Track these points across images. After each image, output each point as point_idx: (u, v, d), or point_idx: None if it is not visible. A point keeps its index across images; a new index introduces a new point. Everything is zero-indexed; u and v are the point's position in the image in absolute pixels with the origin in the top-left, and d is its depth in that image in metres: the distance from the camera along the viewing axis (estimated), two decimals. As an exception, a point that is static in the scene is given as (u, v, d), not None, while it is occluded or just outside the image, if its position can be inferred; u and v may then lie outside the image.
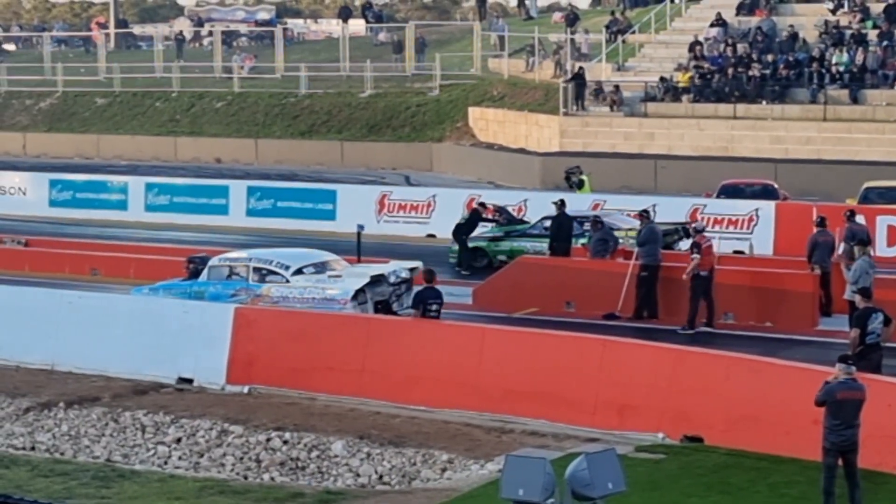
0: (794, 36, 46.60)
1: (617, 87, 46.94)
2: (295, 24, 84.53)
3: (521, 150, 48.01)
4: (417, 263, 26.51)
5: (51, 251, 34.01)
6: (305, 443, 19.88)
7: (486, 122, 51.92)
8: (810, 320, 24.99)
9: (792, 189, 36.53)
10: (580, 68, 48.12)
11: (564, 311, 26.43)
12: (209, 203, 41.51)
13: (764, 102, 44.67)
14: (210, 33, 70.69)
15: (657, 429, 19.10)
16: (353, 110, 55.81)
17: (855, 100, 43.69)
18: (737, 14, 49.41)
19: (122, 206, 42.86)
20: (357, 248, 29.39)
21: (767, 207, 33.52)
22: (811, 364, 18.56)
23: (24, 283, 29.25)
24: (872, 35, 45.37)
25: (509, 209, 34.05)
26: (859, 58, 44.33)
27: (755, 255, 30.33)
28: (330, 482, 18.93)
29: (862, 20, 46.21)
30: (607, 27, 52.08)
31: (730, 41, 46.98)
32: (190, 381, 23.06)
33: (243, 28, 75.52)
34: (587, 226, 28.94)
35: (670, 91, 46.34)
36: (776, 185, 35.95)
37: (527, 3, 67.02)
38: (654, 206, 30.89)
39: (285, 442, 20.01)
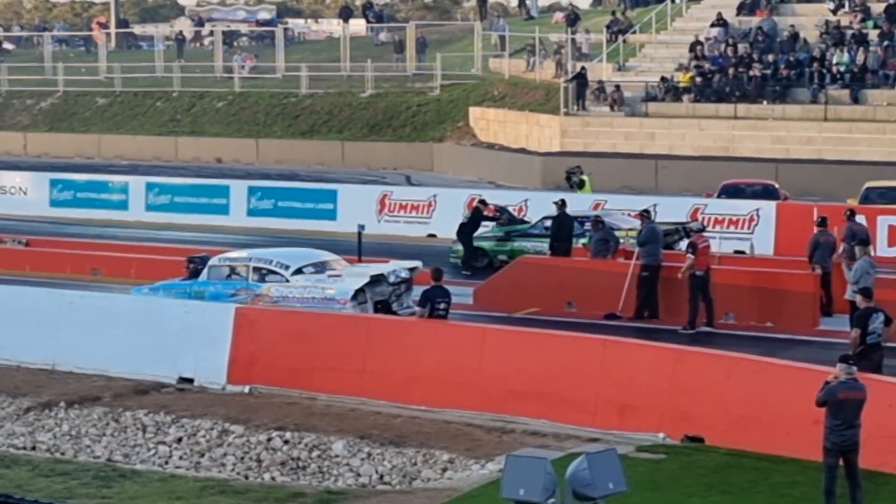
0: (794, 36, 46.60)
1: (618, 86, 46.94)
2: (296, 23, 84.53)
3: (522, 150, 48.01)
4: (417, 263, 26.52)
5: (52, 251, 34.02)
6: (306, 443, 19.87)
7: (486, 121, 51.93)
8: (811, 320, 24.99)
9: (793, 189, 36.53)
10: (582, 68, 48.12)
11: (565, 311, 26.43)
12: (210, 203, 41.51)
13: (765, 102, 44.67)
14: (211, 33, 70.72)
15: (658, 429, 19.09)
16: (353, 110, 55.82)
17: (856, 100, 43.69)
18: (737, 14, 49.41)
19: (122, 205, 42.86)
20: (358, 248, 29.41)
21: (768, 207, 33.52)
22: (812, 364, 18.55)
23: (25, 282, 29.24)
24: (873, 35, 45.37)
25: (510, 209, 34.04)
26: (860, 58, 44.33)
27: (756, 255, 30.32)
28: (331, 482, 18.93)
29: (863, 20, 46.22)
30: (608, 27, 52.08)
31: (730, 41, 46.98)
32: (191, 380, 23.06)
33: (244, 28, 75.54)
34: (588, 226, 28.94)
35: (671, 91, 46.34)
36: (777, 185, 35.95)
37: (527, 2, 67.05)
38: (654, 206, 30.88)
39: (286, 442, 20.01)
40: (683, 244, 29.05)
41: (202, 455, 20.15)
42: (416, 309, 25.04)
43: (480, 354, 21.04)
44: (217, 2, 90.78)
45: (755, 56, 46.01)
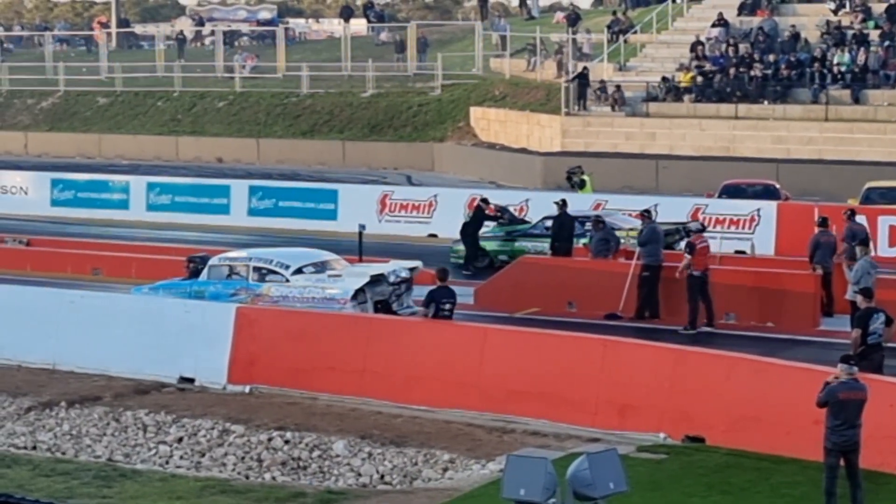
0: (795, 36, 46.59)
1: (618, 86, 46.94)
2: (296, 23, 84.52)
3: (523, 150, 48.01)
4: (417, 263, 26.53)
5: (53, 251, 34.02)
6: (307, 442, 19.88)
7: (487, 121, 51.92)
8: (812, 320, 24.99)
9: (793, 189, 36.53)
10: (584, 68, 48.11)
11: (566, 311, 26.43)
12: (211, 203, 41.51)
13: (765, 102, 44.67)
14: (212, 33, 70.70)
15: (658, 429, 19.09)
16: (354, 110, 55.82)
17: (856, 100, 43.68)
18: (738, 14, 49.41)
19: (123, 205, 42.87)
20: (359, 248, 29.41)
21: (769, 207, 33.52)
22: (813, 364, 18.56)
23: (26, 282, 29.25)
24: (874, 35, 45.36)
25: (511, 209, 34.04)
26: (861, 58, 44.33)
27: (757, 256, 30.33)
28: (331, 482, 18.93)
29: (863, 20, 46.21)
30: (609, 27, 52.08)
31: (731, 41, 46.98)
32: (191, 380, 23.06)
33: (245, 28, 75.52)
34: (588, 226, 28.94)
35: (672, 91, 46.34)
36: (778, 186, 35.95)
37: (528, 2, 67.05)
38: (655, 206, 30.90)
39: (287, 441, 20.01)
40: (684, 244, 29.07)
41: (203, 455, 20.15)
42: (417, 308, 25.11)
43: (481, 354, 21.04)
44: (218, 1, 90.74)
45: (756, 56, 46.01)
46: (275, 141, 55.62)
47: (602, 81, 47.65)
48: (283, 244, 30.05)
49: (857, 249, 23.32)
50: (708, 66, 46.37)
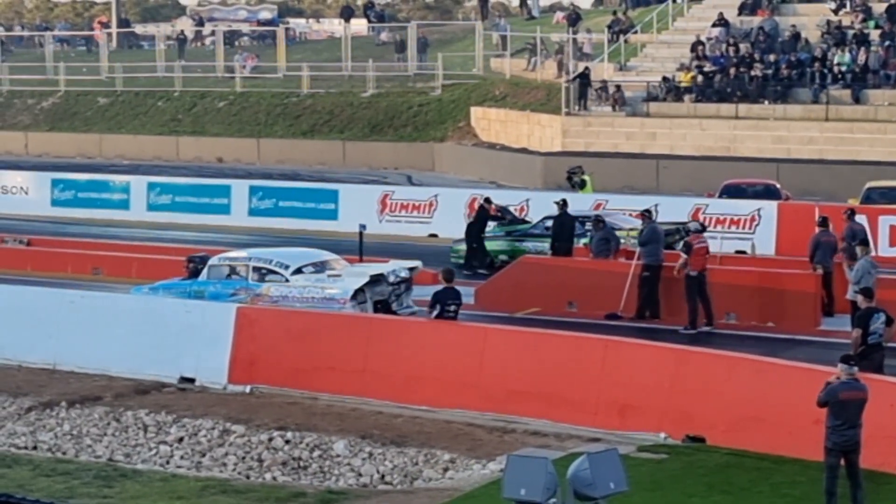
0: (796, 36, 46.59)
1: (619, 86, 46.94)
2: (297, 23, 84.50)
3: (523, 150, 48.01)
4: (417, 263, 26.54)
5: (53, 251, 34.03)
6: (307, 442, 19.87)
7: (488, 121, 51.92)
8: (812, 320, 24.98)
9: (794, 189, 36.53)
10: (586, 68, 48.10)
11: (566, 311, 26.42)
12: (211, 203, 41.52)
13: (766, 102, 44.66)
14: (212, 33, 70.71)
15: (659, 429, 19.09)
16: (355, 110, 55.82)
17: (857, 100, 43.68)
18: (739, 14, 49.42)
19: (124, 205, 42.88)
20: (359, 248, 29.41)
21: (769, 207, 33.52)
22: (813, 364, 18.57)
23: (27, 282, 29.25)
24: (874, 35, 45.36)
25: (511, 209, 34.04)
26: (861, 58, 44.33)
27: (757, 256, 30.32)
28: (332, 482, 18.94)
29: (864, 20, 46.21)
30: (609, 27, 52.07)
31: (732, 41, 46.98)
32: (192, 380, 23.06)
33: (245, 28, 75.55)
34: (589, 226, 28.93)
35: (672, 91, 46.34)
36: (778, 185, 35.95)
37: (529, 2, 67.04)
38: (656, 205, 30.90)
39: (287, 441, 20.01)
40: (681, 243, 29.06)
41: (203, 455, 20.15)
42: (416, 308, 25.12)
43: (482, 354, 21.04)
44: (218, 1, 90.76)
45: (756, 56, 46.01)
46: (275, 141, 55.62)
47: (603, 81, 47.64)
48: (284, 244, 30.05)
49: (858, 249, 23.32)
50: (708, 66, 46.37)
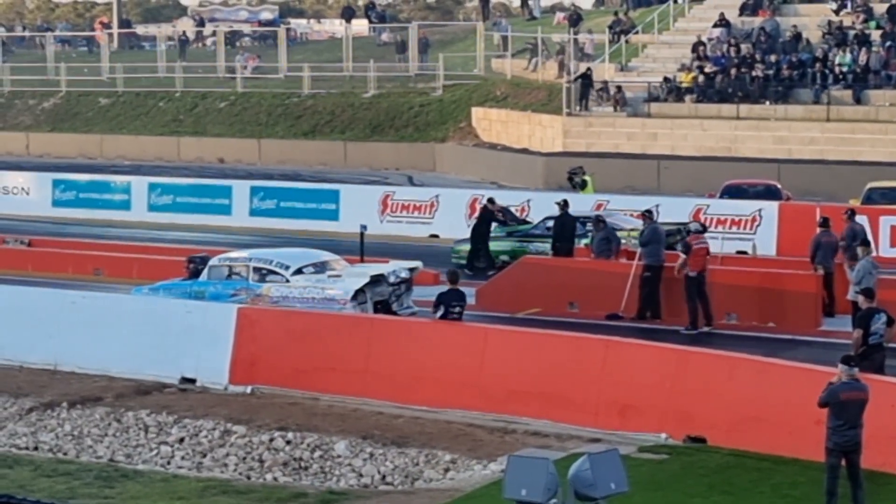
0: (797, 36, 46.58)
1: (620, 87, 46.93)
2: (298, 24, 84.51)
3: (525, 151, 48.01)
4: (417, 263, 26.54)
5: (54, 251, 34.05)
6: (308, 443, 19.88)
7: (489, 122, 51.93)
8: (813, 321, 24.98)
9: (795, 189, 36.52)
10: (588, 69, 48.10)
11: (567, 311, 26.43)
12: (212, 203, 41.52)
13: (767, 103, 44.65)
14: (213, 33, 70.71)
15: (660, 429, 19.09)
16: (356, 110, 55.83)
17: (858, 100, 43.67)
18: (740, 14, 49.41)
19: (125, 206, 42.88)
20: (360, 249, 29.42)
21: (770, 208, 33.51)
22: (814, 365, 18.57)
23: (28, 283, 29.27)
24: (876, 35, 45.36)
25: (512, 209, 34.03)
26: (862, 58, 44.32)
27: (758, 256, 30.32)
28: (333, 482, 18.94)
29: (865, 20, 46.20)
30: (610, 27, 52.08)
31: (733, 41, 46.97)
32: (193, 381, 23.06)
33: (246, 28, 75.57)
34: (590, 226, 28.93)
35: (673, 91, 46.33)
36: (779, 186, 35.94)
37: (530, 3, 67.03)
38: (657, 206, 30.92)
39: (288, 442, 20.02)
40: (680, 244, 29.06)
41: (204, 455, 20.16)
42: (416, 309, 25.13)
43: (482, 355, 21.04)
44: (219, 2, 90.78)
45: (758, 56, 46.00)
46: (276, 141, 55.63)
47: (604, 82, 47.64)
48: (285, 245, 30.04)
49: (859, 250, 23.32)
50: (709, 67, 46.36)
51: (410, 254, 30.10)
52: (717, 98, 45.52)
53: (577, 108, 47.36)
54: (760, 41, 46.83)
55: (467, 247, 31.71)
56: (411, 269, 25.97)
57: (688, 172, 41.19)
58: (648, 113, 46.02)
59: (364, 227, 30.57)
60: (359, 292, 24.74)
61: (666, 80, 46.52)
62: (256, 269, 25.53)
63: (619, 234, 28.42)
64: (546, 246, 29.80)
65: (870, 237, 26.74)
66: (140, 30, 79.95)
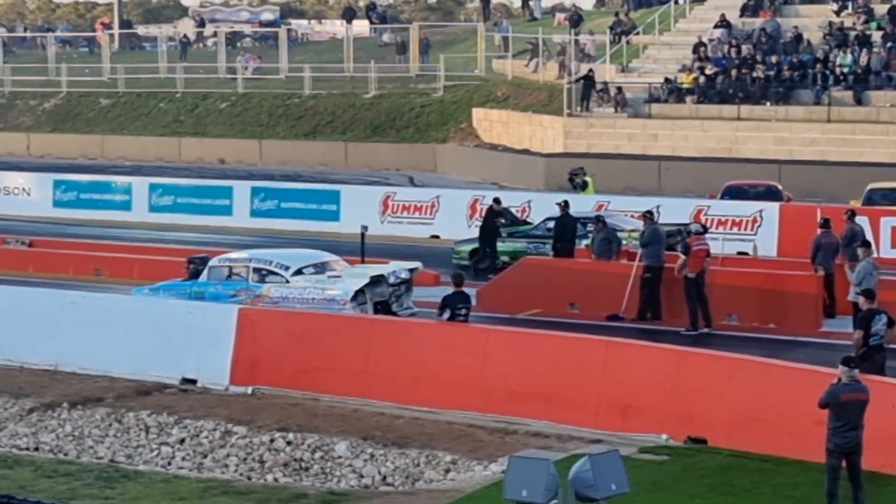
0: (798, 37, 46.59)
1: (620, 88, 46.93)
2: (299, 24, 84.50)
3: (525, 151, 48.03)
4: (417, 264, 26.54)
5: (55, 252, 34.06)
6: (309, 444, 19.88)
7: (489, 122, 51.94)
8: (814, 322, 24.99)
9: (796, 190, 36.52)
10: (590, 70, 48.10)
11: (568, 312, 26.43)
12: (213, 204, 41.53)
13: (768, 104, 44.66)
14: (214, 34, 70.73)
15: (661, 430, 19.09)
16: (356, 111, 55.84)
17: (859, 101, 43.68)
18: (741, 15, 49.42)
19: (126, 206, 42.90)
20: (361, 249, 29.42)
21: (771, 209, 33.52)
22: (815, 366, 18.57)
23: (28, 283, 29.27)
24: (877, 36, 45.38)
25: (513, 210, 34.04)
26: (863, 59, 44.32)
27: (759, 257, 30.33)
28: (333, 483, 18.94)
29: (866, 21, 46.22)
30: (611, 28, 52.10)
31: (734, 42, 46.99)
32: (193, 381, 23.06)
33: (247, 29, 75.58)
34: (591, 227, 28.93)
35: (674, 92, 46.33)
36: (780, 187, 35.95)
37: (531, 3, 67.05)
38: (657, 207, 30.94)
39: (289, 443, 20.02)
40: (680, 245, 29.05)
41: (205, 456, 20.16)
42: (416, 309, 25.14)
43: (483, 355, 21.04)
44: (220, 3, 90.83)
45: (758, 57, 46.00)
46: (277, 142, 55.65)
47: (604, 83, 47.65)
48: (285, 245, 30.06)
49: (860, 251, 23.33)
50: (710, 68, 46.36)
51: (411, 254, 30.09)
52: (717, 99, 45.52)
53: (578, 108, 47.37)
54: (761, 42, 46.84)
55: (468, 247, 31.75)
56: (411, 270, 25.97)
57: (688, 173, 41.20)
58: (649, 114, 46.03)
59: (365, 228, 30.57)
60: (359, 293, 24.75)
61: (667, 80, 46.52)
62: (256, 270, 25.53)
63: (619, 234, 28.43)
64: (546, 247, 29.80)
65: (869, 238, 26.75)
66: (141, 30, 79.97)
